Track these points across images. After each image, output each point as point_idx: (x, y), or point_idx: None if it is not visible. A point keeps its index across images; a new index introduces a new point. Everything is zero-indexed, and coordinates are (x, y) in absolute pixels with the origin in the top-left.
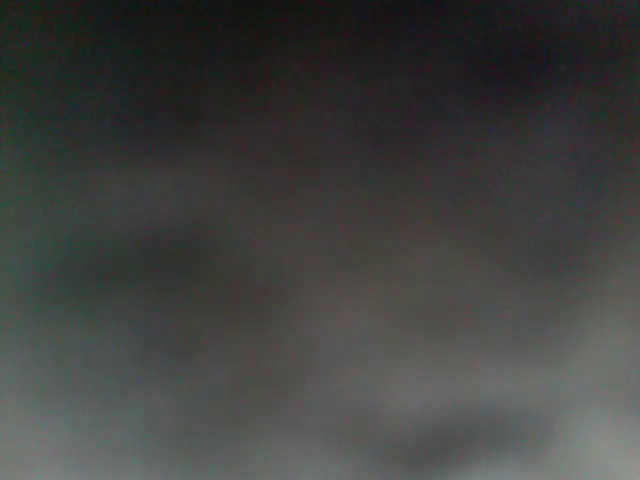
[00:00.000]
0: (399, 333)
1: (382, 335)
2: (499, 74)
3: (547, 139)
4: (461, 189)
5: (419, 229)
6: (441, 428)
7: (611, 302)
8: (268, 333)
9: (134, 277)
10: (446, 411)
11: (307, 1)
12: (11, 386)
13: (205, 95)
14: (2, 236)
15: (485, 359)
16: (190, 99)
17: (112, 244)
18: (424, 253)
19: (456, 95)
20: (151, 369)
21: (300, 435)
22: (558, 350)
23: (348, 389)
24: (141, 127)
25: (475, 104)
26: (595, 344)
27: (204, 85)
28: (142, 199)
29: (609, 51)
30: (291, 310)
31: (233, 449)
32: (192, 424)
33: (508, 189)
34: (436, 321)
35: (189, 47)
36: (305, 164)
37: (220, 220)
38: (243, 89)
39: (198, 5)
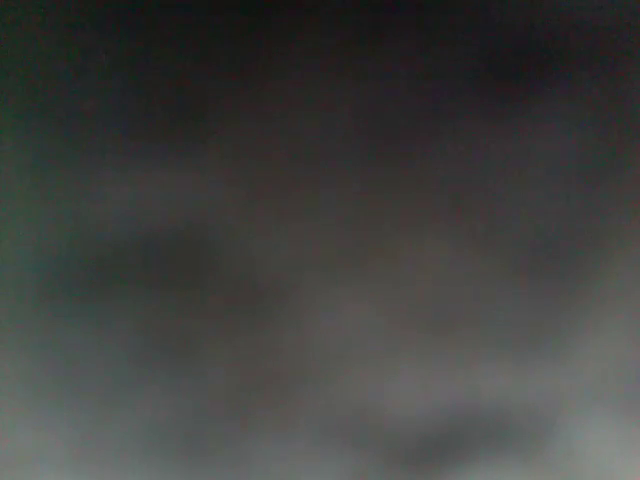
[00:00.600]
0: (399, 333)
1: (382, 335)
2: (500, 74)
3: (548, 139)
4: (461, 189)
5: (419, 229)
6: (441, 428)
7: (611, 302)
8: (268, 333)
9: (134, 277)
10: (446, 411)
11: (307, 1)
12: (11, 386)
13: (205, 95)
14: (2, 236)
15: (485, 358)
16: (190, 99)
17: (112, 244)
18: (424, 253)
19: (457, 95)
20: (151, 369)
21: (300, 435)
22: (558, 350)
23: (348, 389)
24: (141, 127)
25: (475, 104)
26: (595, 344)
27: (204, 85)
28: (142, 199)
29: (611, 51)
30: (291, 310)
31: (233, 449)
32: (192, 424)
33: (508, 189)
34: (436, 320)
35: (189, 47)
36: (305, 164)
37: (220, 220)
38: (243, 89)
39: (198, 5)
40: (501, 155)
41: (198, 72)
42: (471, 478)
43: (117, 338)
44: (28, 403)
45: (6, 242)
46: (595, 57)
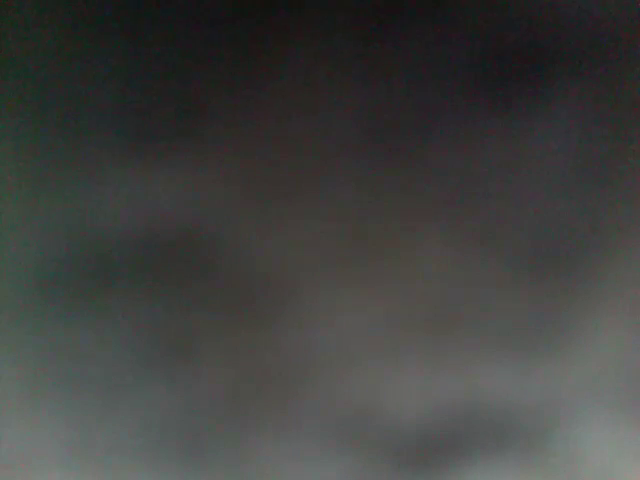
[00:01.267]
0: (399, 333)
1: (382, 335)
2: (500, 74)
3: (548, 139)
4: (462, 189)
5: (420, 229)
6: (441, 428)
7: (611, 302)
8: (268, 333)
9: (134, 277)
10: (446, 411)
11: (308, 1)
12: (11, 386)
13: (205, 95)
14: (2, 236)
15: (485, 359)
16: (190, 98)
17: (112, 243)
18: (424, 253)
19: (457, 95)
20: (151, 369)
21: (300, 435)
22: (558, 350)
23: (348, 389)
24: (141, 126)
25: (476, 104)
26: (595, 344)
27: (204, 85)
28: (142, 199)
29: (610, 51)
30: (291, 310)
31: (233, 449)
32: (192, 424)
33: (509, 189)
34: (436, 321)
35: (189, 46)
36: (305, 164)
37: (220, 220)
38: (243, 89)
39: (198, 5)
40: (501, 155)
41: (198, 72)
42: (471, 478)
43: (117, 338)
44: (28, 403)
45: (6, 242)
46: (595, 57)
